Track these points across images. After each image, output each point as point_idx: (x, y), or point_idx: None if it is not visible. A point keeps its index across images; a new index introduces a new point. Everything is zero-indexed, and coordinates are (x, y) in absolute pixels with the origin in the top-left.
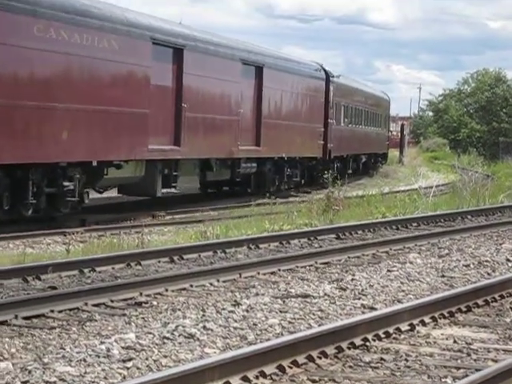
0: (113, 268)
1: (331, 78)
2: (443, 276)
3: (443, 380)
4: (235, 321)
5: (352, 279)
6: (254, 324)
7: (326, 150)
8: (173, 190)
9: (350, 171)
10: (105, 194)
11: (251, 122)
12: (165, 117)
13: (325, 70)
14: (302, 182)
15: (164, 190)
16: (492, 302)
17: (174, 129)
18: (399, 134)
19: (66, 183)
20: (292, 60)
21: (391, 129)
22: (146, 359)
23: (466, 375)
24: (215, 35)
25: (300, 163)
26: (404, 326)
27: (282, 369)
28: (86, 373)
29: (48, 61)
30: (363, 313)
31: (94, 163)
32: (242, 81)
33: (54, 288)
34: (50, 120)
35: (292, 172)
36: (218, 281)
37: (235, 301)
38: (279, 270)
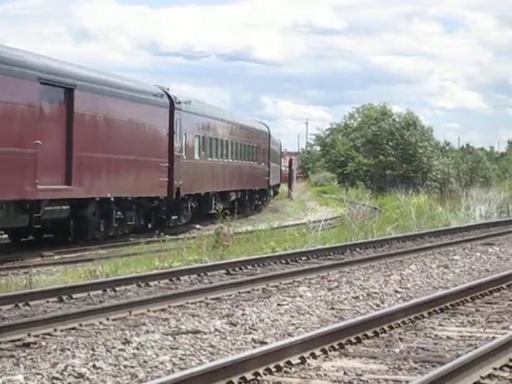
0: (0, 309)
1: (178, 105)
2: (333, 308)
3: None
4: (125, 359)
5: (242, 314)
6: (145, 361)
7: (172, 189)
8: None
9: (212, 211)
10: None
11: (58, 155)
12: None
13: (169, 96)
14: (149, 225)
15: None
16: (381, 333)
17: None
18: (288, 169)
19: None
20: (120, 82)
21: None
22: None
23: None
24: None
25: (137, 204)
26: (295, 360)
27: None
28: None
29: None
30: (254, 347)
31: None
32: (41, 105)
33: None
34: None
35: (125, 215)
36: (108, 319)
37: (125, 339)
38: (169, 306)
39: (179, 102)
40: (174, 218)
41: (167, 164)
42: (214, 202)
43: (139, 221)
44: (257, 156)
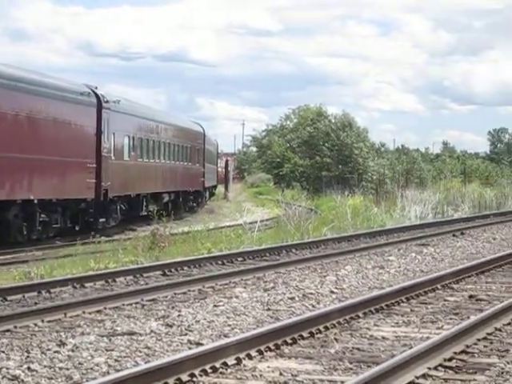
0: None
1: (106, 104)
2: (269, 309)
3: None
4: (60, 361)
5: (178, 315)
6: (80, 363)
7: (100, 190)
8: None
9: (143, 213)
10: None
11: None
12: None
13: (97, 95)
14: (76, 228)
15: None
16: (317, 333)
17: None
18: (224, 170)
19: None
20: (43, 80)
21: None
22: None
23: None
24: None
25: (63, 206)
26: (231, 360)
27: None
28: None
29: None
30: (190, 348)
31: None
32: None
33: None
34: None
35: (50, 217)
36: (43, 321)
37: (60, 341)
38: (105, 308)
39: (107, 101)
40: (101, 220)
41: (94, 165)
42: (145, 203)
43: (65, 223)
44: (191, 157)
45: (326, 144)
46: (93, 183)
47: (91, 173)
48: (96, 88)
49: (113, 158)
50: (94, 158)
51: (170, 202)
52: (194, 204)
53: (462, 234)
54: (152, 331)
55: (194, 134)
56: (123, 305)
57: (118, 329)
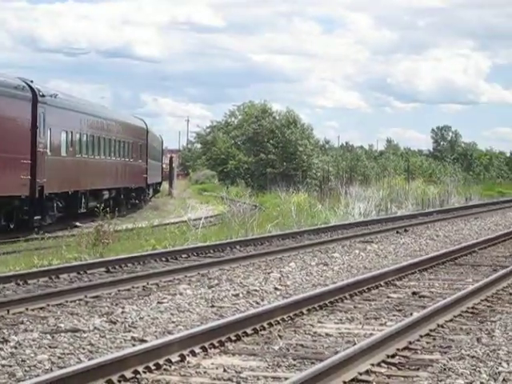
0: None
1: (42, 98)
2: (213, 306)
3: None
4: (3, 358)
5: (122, 312)
6: (23, 360)
7: (35, 187)
8: None
9: (82, 210)
10: None
11: None
12: None
13: (32, 88)
14: (11, 226)
15: None
16: (261, 330)
17: None
18: (168, 167)
19: None
20: None
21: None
22: None
23: None
24: None
25: None
26: (174, 357)
27: None
28: None
29: None
30: (133, 345)
31: None
32: None
33: None
34: None
35: None
36: None
37: (3, 338)
38: (48, 305)
39: (43, 95)
40: (37, 218)
41: (29, 161)
42: (84, 200)
43: (7, 222)
44: (133, 153)
45: (271, 141)
46: (27, 180)
47: (26, 169)
48: (32, 82)
49: (49, 153)
50: (29, 153)
51: (111, 198)
52: (137, 201)
53: (406, 231)
54: (96, 328)
55: (137, 129)
56: (67, 302)
57: (62, 326)
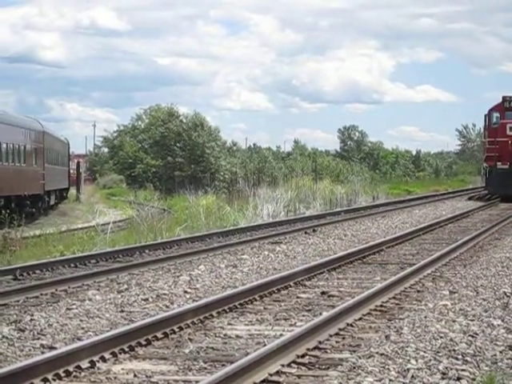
0: None
1: None
2: (122, 311)
3: None
4: None
5: (31, 319)
6: None
7: None
8: None
9: None
10: None
11: None
12: None
13: None
14: None
15: None
16: (171, 334)
17: None
18: (75, 172)
19: None
20: None
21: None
22: None
23: None
24: None
25: None
26: (84, 364)
27: None
28: None
29: None
30: (43, 353)
31: None
32: None
33: None
34: None
35: None
36: None
37: None
38: None
39: None
40: None
41: None
42: None
43: None
44: (25, 157)
45: (178, 144)
46: None
47: None
48: None
49: None
50: None
51: (0, 207)
52: (33, 209)
53: (314, 231)
54: (4, 336)
55: (29, 131)
56: None
57: None
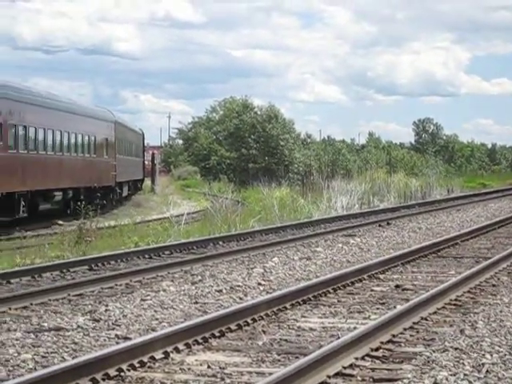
0: None
1: None
2: (196, 302)
3: None
4: None
5: (106, 310)
6: (6, 360)
7: None
8: None
9: (21, 215)
10: None
11: None
12: None
13: None
14: None
15: None
16: (244, 326)
17: None
18: (150, 164)
19: None
20: None
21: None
22: None
23: None
24: None
25: None
26: (158, 355)
27: None
28: None
29: None
30: (117, 343)
31: None
32: None
33: None
34: None
35: None
36: None
37: None
38: (31, 304)
39: None
40: None
41: None
42: (23, 203)
43: None
44: (95, 148)
45: (252, 136)
46: None
47: None
48: None
49: None
50: None
51: (68, 199)
52: (104, 201)
53: (388, 224)
54: (79, 326)
55: (99, 121)
56: (50, 300)
57: (45, 325)
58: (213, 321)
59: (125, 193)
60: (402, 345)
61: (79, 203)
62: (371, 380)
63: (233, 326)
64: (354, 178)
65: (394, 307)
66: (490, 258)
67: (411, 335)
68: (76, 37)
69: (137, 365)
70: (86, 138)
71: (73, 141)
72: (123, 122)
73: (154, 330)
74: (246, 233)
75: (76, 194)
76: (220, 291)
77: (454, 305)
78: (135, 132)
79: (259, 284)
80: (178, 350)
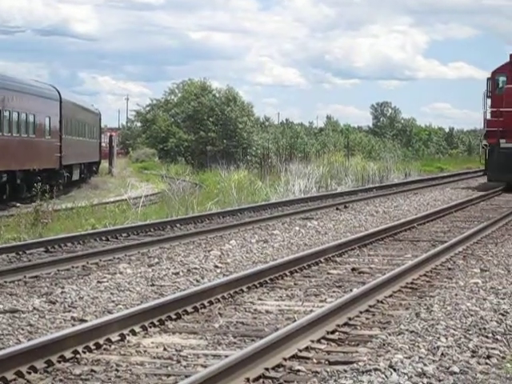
0: None
1: None
2: (153, 285)
3: None
4: None
5: (62, 292)
6: None
7: None
8: None
9: None
10: None
11: None
12: None
13: None
14: None
15: None
16: (201, 308)
17: None
18: (108, 146)
19: None
20: None
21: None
22: None
23: (176, 382)
24: None
25: None
26: (114, 337)
27: None
28: None
29: None
30: (73, 325)
31: None
32: None
33: None
34: None
35: None
36: None
37: None
38: None
39: None
40: None
41: None
42: None
43: None
44: (34, 127)
45: (211, 119)
46: None
47: None
48: None
49: None
50: None
51: (4, 183)
52: (46, 186)
53: (345, 207)
54: (35, 308)
55: (41, 99)
56: (5, 282)
57: (1, 306)
58: (169, 303)
59: (76, 176)
60: (358, 328)
61: (19, 187)
62: (327, 362)
63: (189, 309)
64: (311, 161)
65: (351, 290)
66: (446, 242)
67: (367, 318)
68: (33, 17)
69: (93, 347)
70: (23, 116)
71: (6, 119)
72: (74, 100)
73: (110, 312)
74: (203, 215)
75: (11, 178)
76: (177, 274)
77: (410, 288)
78: (90, 112)
79: (216, 267)
80: (134, 333)
